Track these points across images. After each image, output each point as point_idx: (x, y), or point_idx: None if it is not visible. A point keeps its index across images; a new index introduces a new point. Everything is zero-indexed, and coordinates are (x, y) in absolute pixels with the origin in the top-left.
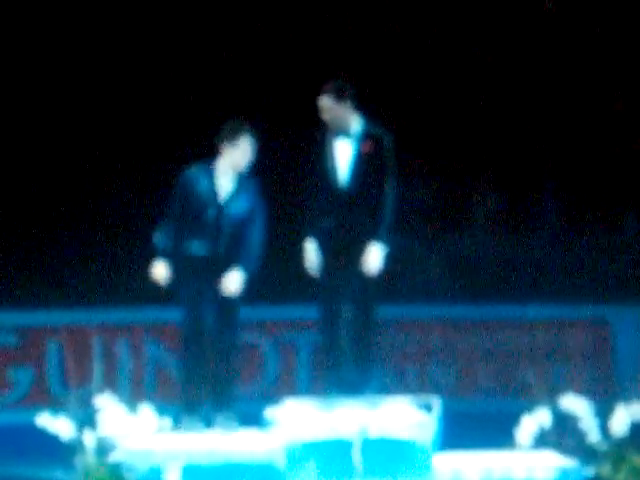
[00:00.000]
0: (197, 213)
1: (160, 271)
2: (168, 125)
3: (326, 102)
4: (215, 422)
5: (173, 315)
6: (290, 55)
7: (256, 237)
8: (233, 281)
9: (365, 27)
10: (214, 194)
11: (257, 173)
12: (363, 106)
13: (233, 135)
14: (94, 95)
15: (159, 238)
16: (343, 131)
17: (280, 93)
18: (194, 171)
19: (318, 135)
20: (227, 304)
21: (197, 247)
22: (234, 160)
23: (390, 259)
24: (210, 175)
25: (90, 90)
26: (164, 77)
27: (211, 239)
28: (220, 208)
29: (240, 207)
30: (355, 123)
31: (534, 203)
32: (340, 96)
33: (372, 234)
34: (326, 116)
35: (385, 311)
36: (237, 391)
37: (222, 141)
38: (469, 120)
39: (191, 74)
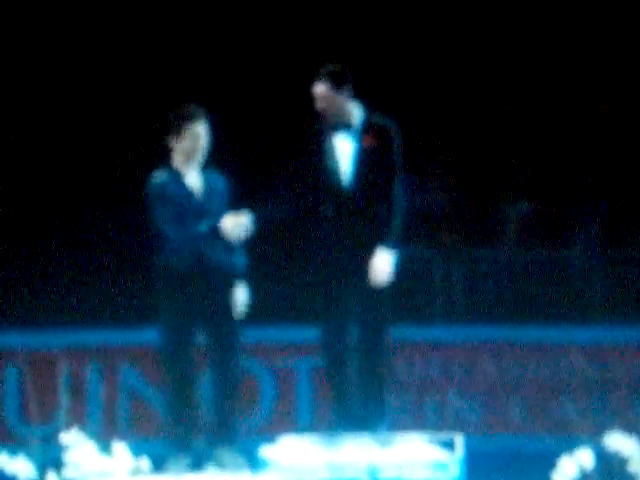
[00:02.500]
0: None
1: None
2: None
3: (321, 89)
4: (217, 460)
5: (152, 337)
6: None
7: None
8: None
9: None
10: (188, 196)
11: (243, 180)
12: (375, 97)
13: (175, 127)
14: (96, 117)
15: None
16: (342, 124)
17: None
18: (159, 176)
19: (313, 130)
20: (225, 324)
21: (179, 258)
22: (185, 152)
23: (406, 272)
24: (176, 177)
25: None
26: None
27: (195, 246)
28: (199, 210)
29: (217, 204)
30: (356, 114)
31: (572, 210)
32: (338, 82)
33: (380, 241)
34: (321, 105)
35: (399, 333)
36: (239, 425)
37: (168, 137)
38: (497, 112)
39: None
